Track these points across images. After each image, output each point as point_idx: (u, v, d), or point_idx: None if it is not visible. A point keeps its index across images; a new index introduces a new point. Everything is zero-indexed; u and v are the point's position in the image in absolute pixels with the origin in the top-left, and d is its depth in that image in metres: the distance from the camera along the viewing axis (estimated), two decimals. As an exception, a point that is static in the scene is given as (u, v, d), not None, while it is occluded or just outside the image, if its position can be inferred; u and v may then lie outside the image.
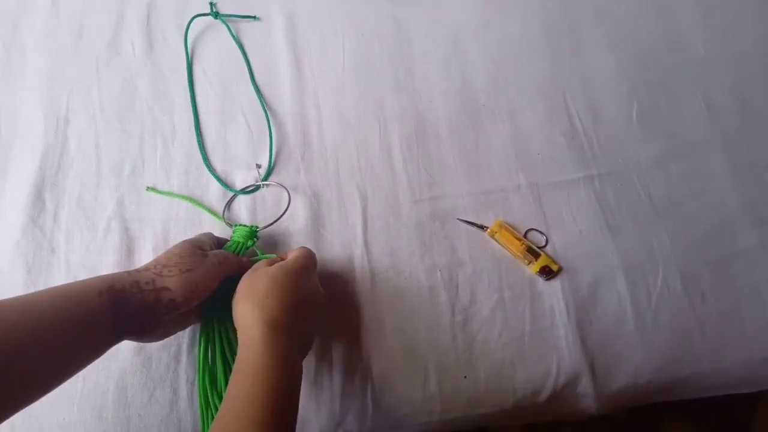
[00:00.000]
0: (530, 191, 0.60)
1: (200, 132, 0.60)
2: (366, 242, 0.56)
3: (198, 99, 0.62)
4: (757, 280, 0.57)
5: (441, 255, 0.56)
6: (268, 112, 0.61)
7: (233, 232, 0.53)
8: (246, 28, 0.66)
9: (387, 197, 0.58)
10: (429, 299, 0.54)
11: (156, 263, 0.43)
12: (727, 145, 0.63)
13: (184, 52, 0.63)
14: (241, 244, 0.52)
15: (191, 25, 0.63)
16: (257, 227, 0.54)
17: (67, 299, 0.37)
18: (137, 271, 0.42)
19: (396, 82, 0.64)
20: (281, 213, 0.56)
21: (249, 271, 0.46)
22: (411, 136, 0.62)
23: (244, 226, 0.54)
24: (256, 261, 0.50)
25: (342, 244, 0.56)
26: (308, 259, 0.48)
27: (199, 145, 0.59)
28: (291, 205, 0.56)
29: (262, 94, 0.62)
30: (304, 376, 0.50)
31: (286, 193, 0.57)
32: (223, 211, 0.56)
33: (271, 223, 0.55)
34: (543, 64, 0.67)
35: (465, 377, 0.52)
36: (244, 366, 0.39)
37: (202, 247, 0.47)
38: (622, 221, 0.59)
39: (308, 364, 0.51)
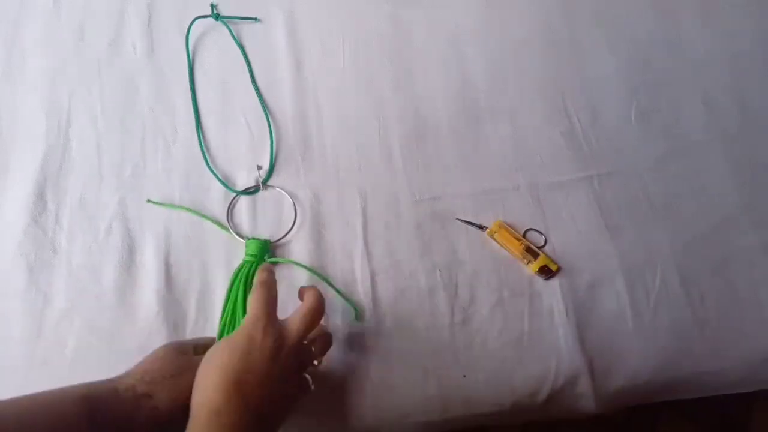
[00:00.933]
0: (529, 191, 0.60)
1: (202, 133, 0.60)
2: (366, 242, 0.56)
3: (199, 100, 0.62)
4: (756, 281, 0.57)
5: (440, 255, 0.56)
6: (268, 113, 0.62)
7: (246, 247, 0.54)
8: (246, 29, 0.66)
9: (387, 197, 0.59)
10: (428, 299, 0.55)
11: (138, 368, 0.41)
12: (727, 145, 0.63)
13: (185, 53, 0.63)
14: (254, 262, 0.52)
15: (192, 26, 0.63)
16: (270, 241, 0.54)
17: (40, 407, 0.36)
18: (118, 377, 0.40)
19: (396, 83, 0.64)
20: (289, 222, 0.56)
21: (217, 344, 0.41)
22: (411, 136, 0.62)
23: (257, 239, 0.54)
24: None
25: (342, 243, 0.56)
26: (313, 317, 0.43)
27: (201, 146, 0.59)
28: (291, 205, 0.57)
29: (262, 95, 0.62)
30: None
31: (287, 196, 0.57)
32: (228, 219, 0.56)
33: (283, 236, 0.56)
34: (542, 64, 0.67)
35: (464, 376, 0.52)
36: None
37: (185, 351, 0.44)
38: (621, 221, 0.59)
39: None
